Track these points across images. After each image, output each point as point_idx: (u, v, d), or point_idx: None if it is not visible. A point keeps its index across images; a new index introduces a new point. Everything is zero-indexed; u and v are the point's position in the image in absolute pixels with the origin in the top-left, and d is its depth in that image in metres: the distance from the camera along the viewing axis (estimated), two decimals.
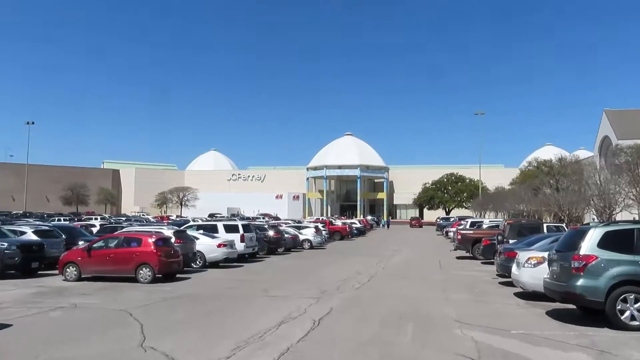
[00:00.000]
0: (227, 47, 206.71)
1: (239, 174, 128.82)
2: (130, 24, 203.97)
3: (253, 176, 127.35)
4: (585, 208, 36.29)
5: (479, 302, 13.95)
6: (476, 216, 71.00)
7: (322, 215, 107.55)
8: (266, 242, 32.20)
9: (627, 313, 10.33)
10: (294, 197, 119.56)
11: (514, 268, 15.04)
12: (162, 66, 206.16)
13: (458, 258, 29.46)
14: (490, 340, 9.38)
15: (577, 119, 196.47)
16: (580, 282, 10.44)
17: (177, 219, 61.15)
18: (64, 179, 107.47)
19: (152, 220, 61.23)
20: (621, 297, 10.31)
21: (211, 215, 75.53)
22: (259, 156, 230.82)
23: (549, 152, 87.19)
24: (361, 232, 60.49)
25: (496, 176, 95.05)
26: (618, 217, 29.88)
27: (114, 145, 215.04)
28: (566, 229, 24.09)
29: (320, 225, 45.99)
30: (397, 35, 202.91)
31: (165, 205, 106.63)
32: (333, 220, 62.17)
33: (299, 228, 41.11)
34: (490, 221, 38.42)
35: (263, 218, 66.07)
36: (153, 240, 18.79)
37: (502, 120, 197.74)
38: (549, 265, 11.94)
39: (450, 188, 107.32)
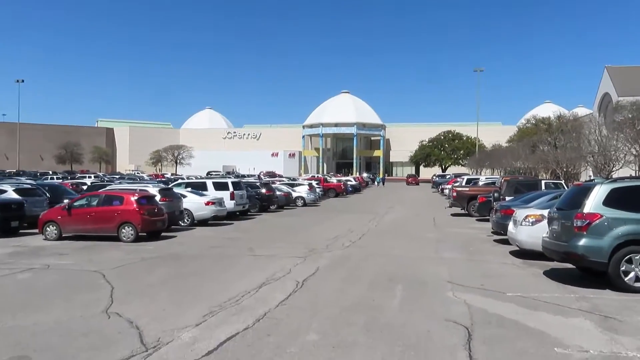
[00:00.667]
0: (222, 5, 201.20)
1: (234, 132, 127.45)
2: None
3: (249, 134, 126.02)
4: (583, 165, 35.56)
5: (473, 262, 13.30)
6: (472, 174, 70.36)
7: (318, 173, 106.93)
8: (258, 200, 31.53)
9: (632, 274, 9.65)
10: (289, 154, 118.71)
11: (510, 226, 14.35)
12: (158, 24, 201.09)
13: (453, 215, 28.88)
14: (484, 304, 8.70)
15: (576, 76, 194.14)
16: (582, 241, 9.71)
17: (172, 177, 60.41)
18: (57, 138, 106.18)
19: (146, 178, 60.49)
20: (626, 257, 9.60)
21: (209, 174, 74.85)
22: (254, 115, 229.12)
23: (547, 110, 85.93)
24: (356, 190, 59.95)
25: (494, 134, 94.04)
26: (617, 174, 29.14)
27: (108, 104, 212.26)
28: (565, 187, 23.40)
29: (314, 183, 45.31)
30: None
31: (160, 164, 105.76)
32: (328, 178, 61.48)
33: (292, 185, 40.39)
34: (486, 178, 37.71)
35: (261, 177, 65.05)
36: (135, 198, 18.00)
37: (501, 79, 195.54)
38: (549, 223, 11.19)
39: (447, 145, 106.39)
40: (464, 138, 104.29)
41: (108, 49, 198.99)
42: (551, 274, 11.50)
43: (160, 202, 20.45)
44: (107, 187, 24.39)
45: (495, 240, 17.79)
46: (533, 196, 17.79)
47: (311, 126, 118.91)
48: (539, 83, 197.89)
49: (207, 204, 23.56)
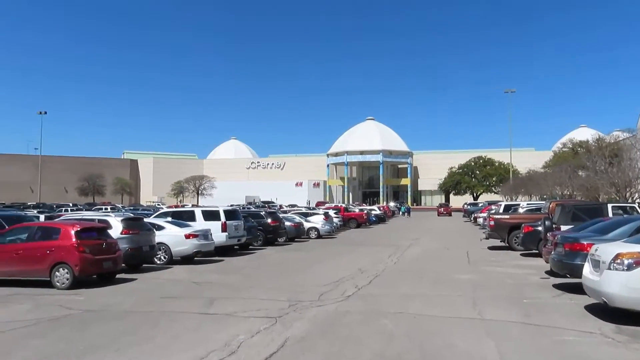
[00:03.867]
0: (244, 35, 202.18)
1: (258, 162, 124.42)
2: (150, 12, 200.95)
3: (272, 164, 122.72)
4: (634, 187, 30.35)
5: (535, 330, 8.50)
6: (507, 201, 64.77)
7: (343, 202, 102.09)
8: (261, 231, 27.23)
9: None
10: (314, 184, 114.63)
11: (586, 269, 9.55)
12: (181, 56, 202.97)
13: (491, 249, 23.94)
14: None
15: (609, 100, 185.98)
16: None
17: (183, 207, 56.62)
18: (81, 170, 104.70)
19: (164, 208, 57.02)
20: None
21: (231, 205, 71.26)
22: (278, 144, 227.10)
23: (584, 133, 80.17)
24: (381, 219, 55.06)
25: (527, 159, 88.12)
26: None
27: (135, 136, 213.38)
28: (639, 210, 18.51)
29: (332, 212, 40.93)
30: (418, 14, 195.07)
31: (182, 195, 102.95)
32: (350, 207, 56.77)
33: (306, 215, 35.96)
34: (527, 204, 32.55)
35: (282, 206, 60.42)
36: (76, 230, 13.84)
37: (532, 101, 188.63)
38: None
39: (478, 172, 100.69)
40: (496, 164, 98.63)
41: (135, 81, 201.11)
42: None
43: (122, 236, 16.36)
44: (62, 217, 20.34)
45: (555, 286, 12.93)
46: (606, 225, 12.96)
47: (336, 154, 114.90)
48: (572, 107, 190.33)
49: (188, 236, 19.30)
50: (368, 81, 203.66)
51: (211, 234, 20.64)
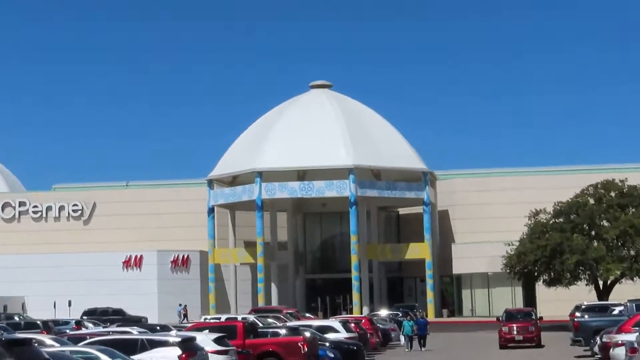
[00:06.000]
0: None
1: (19, 203, 49.41)
2: None
3: (61, 207, 49.90)
4: None
5: None
6: None
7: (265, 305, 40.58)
8: None
9: None
10: (174, 260, 42.92)
11: None
12: None
13: None
14: None
15: None
16: None
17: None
18: None
19: None
20: None
21: None
22: (78, 165, 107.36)
23: None
24: (349, 357, 18.25)
25: None
26: None
27: None
28: None
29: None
30: None
31: None
32: (267, 320, 23.72)
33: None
34: None
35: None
36: None
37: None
38: None
39: (607, 221, 35.54)
40: None
41: None
42: None
43: None
44: None
45: None
46: None
47: (232, 181, 45.73)
48: None
49: None
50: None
51: None
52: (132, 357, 11.09)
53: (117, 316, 34.33)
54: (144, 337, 12.98)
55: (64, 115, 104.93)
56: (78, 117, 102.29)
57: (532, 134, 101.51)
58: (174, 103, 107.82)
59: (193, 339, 12.43)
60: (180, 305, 40.54)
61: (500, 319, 25.86)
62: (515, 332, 24.24)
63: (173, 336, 12.92)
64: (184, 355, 11.22)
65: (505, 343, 24.17)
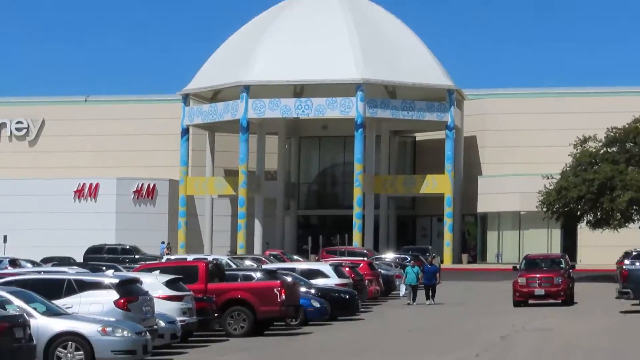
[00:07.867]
0: None
1: None
2: None
3: (4, 124, 44.41)
4: None
5: None
6: None
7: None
8: None
9: None
10: (137, 190, 37.01)
11: None
12: None
13: None
14: None
15: None
16: None
17: None
18: None
19: None
20: None
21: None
22: (24, 76, 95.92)
23: None
24: (342, 305, 16.68)
25: None
26: None
27: None
28: None
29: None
30: None
31: None
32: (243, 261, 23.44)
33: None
34: None
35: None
36: None
37: None
38: None
39: None
40: None
41: None
42: None
43: None
44: None
45: None
46: None
47: (212, 96, 40.93)
48: None
49: None
50: None
51: None
52: (55, 301, 9.84)
53: (129, 255, 30.28)
54: (71, 277, 11.91)
55: (7, 9, 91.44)
56: (27, 13, 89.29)
57: (581, 49, 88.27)
58: (144, 1, 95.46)
59: (135, 280, 11.11)
60: (163, 242, 35.61)
61: (518, 267, 21.41)
62: (536, 285, 19.20)
63: (110, 277, 11.76)
64: (121, 301, 9.92)
65: (521, 299, 19.17)
